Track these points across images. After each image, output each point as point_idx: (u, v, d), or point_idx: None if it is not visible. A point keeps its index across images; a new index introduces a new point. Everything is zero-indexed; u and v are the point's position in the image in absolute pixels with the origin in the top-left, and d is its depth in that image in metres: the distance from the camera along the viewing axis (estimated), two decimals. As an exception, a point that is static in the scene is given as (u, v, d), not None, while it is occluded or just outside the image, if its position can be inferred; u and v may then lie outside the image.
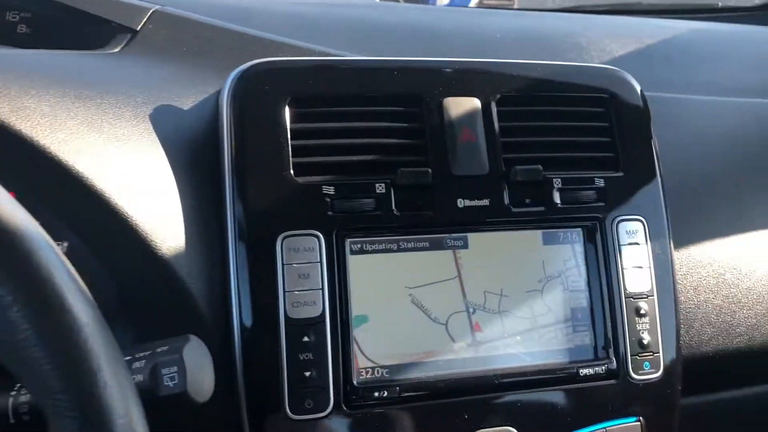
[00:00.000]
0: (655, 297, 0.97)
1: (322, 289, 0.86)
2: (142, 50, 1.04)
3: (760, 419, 1.18)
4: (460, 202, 0.93)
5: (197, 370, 0.67)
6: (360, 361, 0.88)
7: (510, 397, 0.91)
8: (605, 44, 1.38)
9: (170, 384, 0.66)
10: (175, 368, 0.66)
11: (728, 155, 1.20)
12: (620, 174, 1.00)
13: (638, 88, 1.07)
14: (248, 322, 0.84)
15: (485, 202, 0.93)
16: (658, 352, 0.96)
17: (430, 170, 0.92)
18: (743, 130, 1.24)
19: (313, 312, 0.85)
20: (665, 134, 1.13)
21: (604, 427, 0.94)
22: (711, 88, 1.32)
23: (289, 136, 0.89)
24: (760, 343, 1.10)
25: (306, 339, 0.84)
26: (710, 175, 1.15)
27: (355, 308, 0.88)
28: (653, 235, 0.99)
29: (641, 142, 1.04)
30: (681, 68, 1.38)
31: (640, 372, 0.95)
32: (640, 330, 0.96)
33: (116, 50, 1.04)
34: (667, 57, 1.42)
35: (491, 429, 0.90)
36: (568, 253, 0.97)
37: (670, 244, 1.00)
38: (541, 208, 0.96)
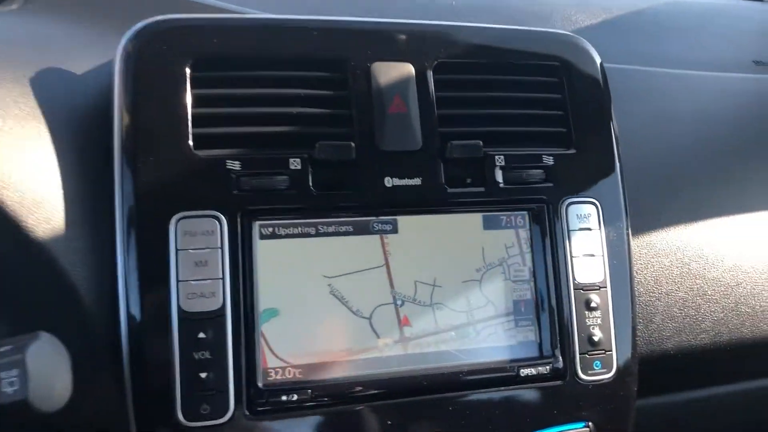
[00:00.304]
0: (609, 288, 0.87)
1: (223, 278, 0.75)
2: (42, 7, 0.93)
3: (723, 423, 1.09)
4: (389, 181, 0.82)
5: (45, 373, 0.57)
6: (268, 361, 0.77)
7: (441, 400, 0.81)
8: (571, 13, 1.27)
9: (9, 390, 0.55)
10: (15, 372, 0.56)
11: (698, 134, 1.09)
12: (572, 151, 0.90)
13: (597, 57, 0.96)
14: (137, 316, 0.73)
15: (417, 181, 0.83)
16: (611, 350, 0.86)
17: (353, 144, 0.81)
18: (716, 106, 1.14)
19: (211, 305, 0.74)
20: (628, 109, 1.03)
21: (546, 435, 0.84)
22: (683, 62, 1.21)
23: (189, 103, 0.78)
24: (726, 340, 1.00)
25: (202, 335, 0.73)
26: (677, 155, 1.05)
27: (264, 300, 0.77)
28: (608, 219, 0.89)
29: (598, 117, 0.93)
30: (652, 40, 1.27)
31: (590, 372, 0.85)
32: (590, 325, 0.86)
33: (14, 7, 0.92)
34: (639, 29, 1.32)
35: (418, 437, 0.80)
36: (512, 239, 0.87)
37: (627, 229, 0.90)
38: (481, 189, 0.85)
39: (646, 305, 0.95)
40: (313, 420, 0.77)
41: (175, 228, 0.74)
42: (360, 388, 0.78)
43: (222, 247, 0.75)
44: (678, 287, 0.98)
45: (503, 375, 0.82)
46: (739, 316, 1.00)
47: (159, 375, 0.73)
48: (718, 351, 0.99)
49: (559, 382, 0.82)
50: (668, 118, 1.07)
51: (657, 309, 0.96)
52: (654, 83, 1.12)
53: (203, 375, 0.73)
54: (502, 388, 0.82)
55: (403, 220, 0.83)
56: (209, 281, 0.74)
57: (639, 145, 1.01)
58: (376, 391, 0.79)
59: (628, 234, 0.90)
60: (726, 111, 1.12)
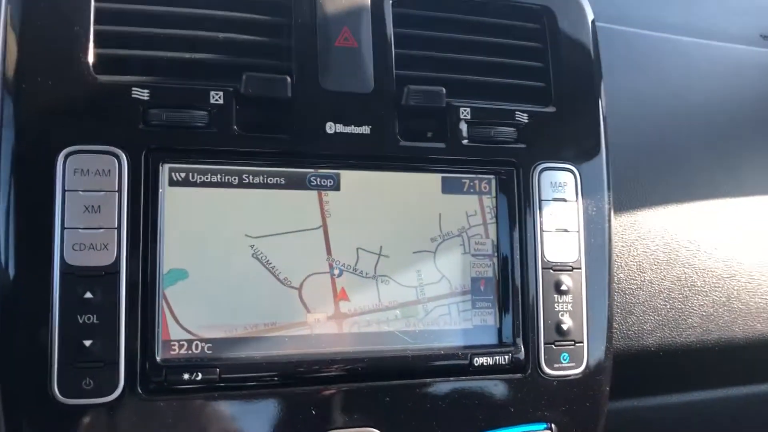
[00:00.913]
0: (583, 270, 0.75)
1: (119, 228, 0.62)
2: None
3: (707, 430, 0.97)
4: (330, 127, 0.69)
5: None
6: (170, 331, 0.65)
7: (378, 389, 0.69)
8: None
9: None
10: None
11: (696, 107, 0.97)
12: (550, 110, 0.78)
13: (588, 10, 0.83)
14: (10, 267, 0.61)
15: (365, 129, 0.70)
16: (582, 342, 0.74)
17: (289, 79, 0.68)
18: (718, 78, 1.01)
19: (102, 259, 0.62)
20: (619, 75, 0.91)
21: (502, 435, 0.72)
22: (683, 29, 1.09)
23: (91, 18, 0.64)
24: (715, 339, 0.88)
25: (89, 295, 0.61)
26: (670, 129, 0.93)
27: (169, 259, 0.65)
28: (587, 190, 0.77)
29: (583, 74, 0.81)
30: (652, 4, 1.14)
31: (556, 366, 0.73)
32: (559, 311, 0.74)
33: None
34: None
35: (347, 431, 0.67)
36: (474, 206, 0.75)
37: (608, 204, 0.78)
38: (441, 145, 0.73)
39: (625, 293, 0.83)
40: (219, 405, 0.64)
41: (64, 164, 0.62)
42: (280, 370, 0.66)
43: (120, 191, 0.63)
44: (663, 276, 0.86)
45: (454, 363, 0.71)
46: (730, 313, 0.88)
47: (32, 339, 0.60)
48: (704, 351, 0.88)
49: (518, 376, 0.73)
50: (663, 87, 0.95)
51: (638, 299, 0.84)
52: (649, 48, 0.99)
53: (87, 343, 0.61)
54: (452, 378, 0.71)
55: (347, 176, 0.71)
56: (101, 231, 0.62)
57: (627, 113, 0.88)
58: (300, 375, 0.67)
59: (609, 209, 0.78)
60: (729, 84, 1.00)
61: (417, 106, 0.72)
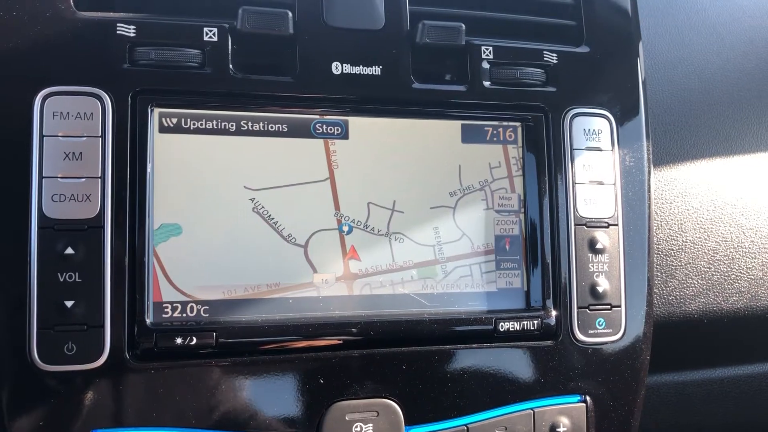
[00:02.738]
0: (620, 226, 0.68)
1: (103, 177, 0.57)
2: None
3: (754, 408, 0.88)
4: (337, 67, 0.63)
5: None
6: (162, 292, 0.59)
7: (393, 357, 0.62)
8: None
9: None
10: None
11: (749, 53, 0.88)
12: (583, 49, 0.70)
13: None
14: (-16, 220, 0.55)
15: (375, 70, 0.63)
16: (619, 306, 0.67)
17: (290, 14, 0.61)
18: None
19: (85, 211, 0.56)
20: (661, 14, 0.82)
21: (530, 409, 0.65)
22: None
23: (71, -54, 0.58)
24: (765, 305, 0.80)
25: (70, 251, 0.55)
26: (719, 74, 0.84)
27: (160, 213, 0.59)
28: (624, 139, 0.69)
29: (618, 10, 0.73)
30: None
31: (590, 332, 0.66)
32: (593, 272, 0.66)
33: None
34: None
35: (359, 401, 0.61)
36: (498, 157, 0.68)
37: (647, 154, 0.70)
38: (461, 88, 0.66)
39: (665, 254, 0.76)
40: (216, 373, 0.58)
41: (41, 106, 0.56)
42: (284, 335, 0.60)
43: (104, 136, 0.57)
44: (707, 236, 0.78)
45: (477, 329, 0.65)
46: (782, 276, 0.80)
47: (8, 300, 0.55)
48: (753, 319, 0.80)
49: (549, 343, 0.67)
50: (707, 30, 0.86)
51: (679, 261, 0.77)
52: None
53: (69, 304, 0.55)
54: (474, 345, 0.65)
55: (356, 123, 0.64)
56: (83, 180, 0.56)
57: (667, 57, 0.80)
58: (305, 340, 0.61)
59: (648, 160, 0.70)
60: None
61: (433, 44, 0.65)
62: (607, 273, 0.68)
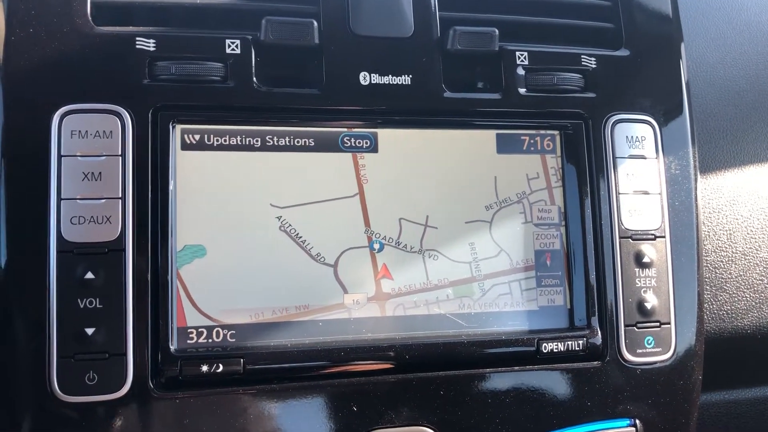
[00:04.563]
0: (667, 239, 0.64)
1: (124, 198, 0.54)
2: None
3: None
4: (365, 78, 0.60)
5: None
6: (187, 316, 0.56)
7: (428, 381, 0.59)
8: None
9: None
10: None
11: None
12: (622, 53, 0.67)
13: None
14: (1, 245, 0.53)
15: (404, 79, 0.61)
16: (668, 323, 0.63)
17: (315, 23, 0.59)
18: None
19: (105, 234, 0.54)
20: (702, 14, 0.79)
21: (577, 434, 0.61)
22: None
23: (89, -40, 0.56)
24: (823, 319, 0.75)
25: (91, 276, 0.53)
26: (763, 77, 0.80)
27: (184, 234, 0.57)
28: (668, 145, 0.66)
29: (658, 12, 0.70)
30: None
31: (639, 351, 0.63)
32: (641, 287, 0.63)
33: None
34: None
35: (395, 429, 0.58)
36: (536, 168, 0.64)
37: (693, 161, 0.66)
38: (495, 96, 0.63)
39: (714, 267, 0.72)
40: (244, 402, 0.55)
41: (59, 125, 0.54)
42: (314, 360, 0.57)
43: (124, 155, 0.54)
44: (758, 246, 0.74)
45: (518, 350, 0.62)
46: (841, 288, 0.75)
47: (27, 328, 0.52)
48: (811, 333, 0.75)
49: (595, 364, 0.63)
50: (753, 30, 0.82)
51: (729, 273, 0.72)
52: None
53: (90, 331, 0.53)
54: (516, 368, 0.62)
55: (385, 135, 0.61)
56: (103, 201, 0.54)
57: (710, 59, 0.76)
58: (336, 366, 0.58)
59: (695, 167, 0.67)
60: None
61: (465, 50, 0.62)
62: (655, 288, 0.64)
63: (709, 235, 0.72)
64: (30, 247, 0.53)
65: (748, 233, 0.74)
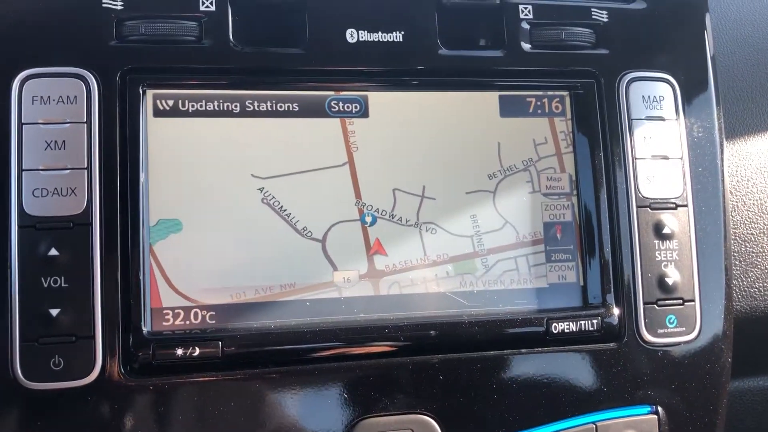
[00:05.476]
0: (690, 207, 0.59)
1: (89, 168, 0.50)
2: None
3: None
4: (352, 35, 0.56)
5: None
6: (163, 296, 0.52)
7: (426, 365, 0.55)
8: None
9: None
10: None
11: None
12: (638, 5, 0.61)
13: None
14: (-42, 221, 0.49)
15: (396, 36, 0.56)
16: (692, 300, 0.58)
17: (297, -24, 0.54)
18: None
19: (70, 207, 0.50)
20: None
21: (592, 423, 0.56)
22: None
23: None
24: None
25: (54, 252, 0.49)
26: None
27: (157, 207, 0.53)
28: (690, 106, 0.61)
29: (677, -40, 0.63)
30: None
31: (660, 331, 0.58)
32: (661, 261, 0.58)
33: None
34: None
35: (390, 417, 0.53)
36: (543, 132, 0.60)
37: (718, 123, 0.61)
38: (497, 53, 0.59)
39: (744, 240, 0.66)
40: (222, 388, 0.51)
41: (19, 90, 0.51)
42: (301, 342, 0.53)
43: (90, 122, 0.51)
44: (793, 218, 0.67)
45: (526, 331, 0.57)
46: None
47: (-13, 311, 0.48)
48: None
49: (611, 345, 0.59)
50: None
51: (761, 247, 0.67)
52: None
53: (54, 312, 0.49)
54: (524, 350, 0.57)
55: (376, 98, 0.57)
56: (68, 172, 0.50)
57: (736, 13, 0.70)
58: (326, 349, 0.53)
59: (720, 130, 0.62)
60: None
61: (463, 3, 0.59)
62: (676, 262, 0.59)
63: (737, 206, 0.67)
64: (-10, 223, 0.49)
65: (781, 203, 0.68)
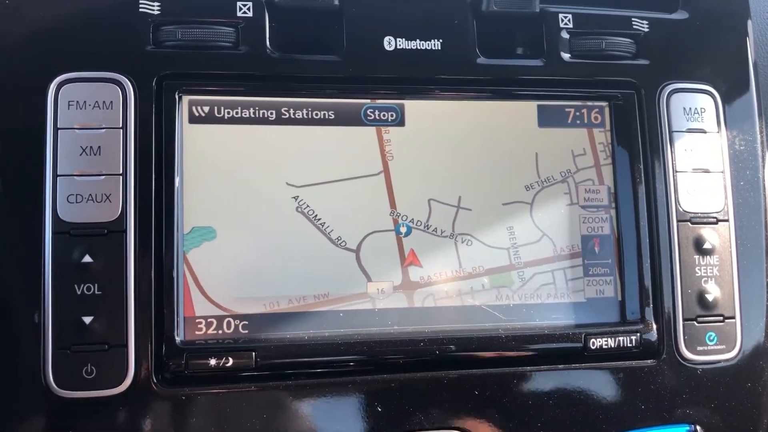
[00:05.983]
0: (731, 222, 0.59)
1: (125, 174, 0.50)
2: None
3: None
4: (389, 43, 0.55)
5: None
6: (196, 305, 0.52)
7: (461, 380, 0.54)
8: None
9: None
10: None
11: None
12: (680, 15, 0.60)
13: None
14: (-8, 227, 0.49)
15: (433, 44, 0.55)
16: (733, 317, 0.57)
17: (335, -17, 0.54)
18: None
19: (105, 213, 0.50)
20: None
21: (631, 440, 0.54)
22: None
23: None
24: None
25: (89, 259, 0.48)
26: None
27: (192, 214, 0.53)
28: (732, 118, 0.60)
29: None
30: None
31: (700, 348, 0.57)
32: (701, 277, 0.56)
33: None
34: None
35: (422, 433, 0.52)
36: (582, 143, 0.59)
37: (761, 136, 0.59)
38: (536, 62, 0.58)
39: (786, 255, 0.64)
40: (255, 399, 0.51)
41: (55, 95, 0.50)
42: (334, 354, 0.52)
43: (126, 127, 0.50)
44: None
45: (563, 347, 0.56)
46: None
47: (20, 316, 0.48)
48: None
49: (649, 362, 0.58)
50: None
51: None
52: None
53: (87, 320, 0.48)
54: (560, 366, 0.56)
55: (413, 107, 0.56)
56: (103, 178, 0.50)
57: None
58: (359, 361, 0.53)
59: (762, 143, 0.61)
60: None
61: (501, 12, 0.58)
62: (717, 278, 0.57)
63: (777, 220, 0.65)
64: (23, 228, 0.49)
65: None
